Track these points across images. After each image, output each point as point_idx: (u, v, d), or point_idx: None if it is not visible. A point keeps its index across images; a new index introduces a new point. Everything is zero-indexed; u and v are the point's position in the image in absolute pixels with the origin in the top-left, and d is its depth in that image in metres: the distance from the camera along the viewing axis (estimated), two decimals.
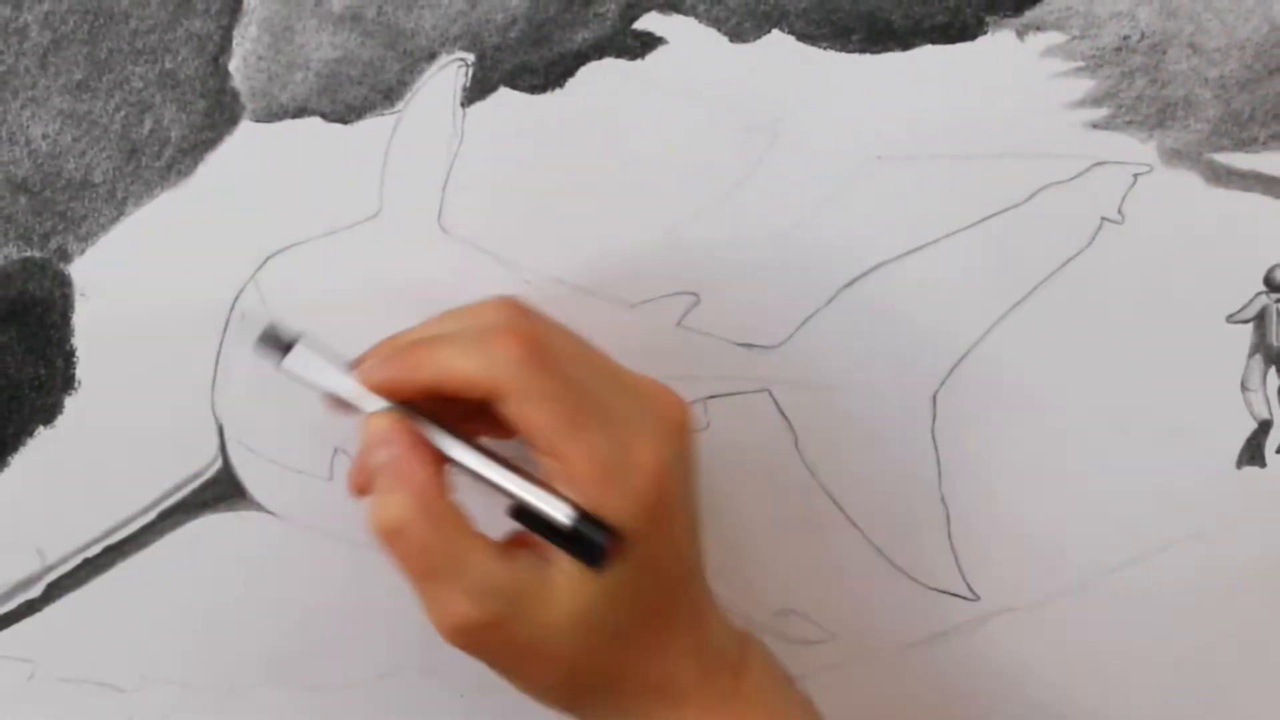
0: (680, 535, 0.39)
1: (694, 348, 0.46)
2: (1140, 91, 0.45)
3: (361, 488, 0.39)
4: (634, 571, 0.37)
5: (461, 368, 0.37)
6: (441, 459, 0.38)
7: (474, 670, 0.39)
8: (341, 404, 0.39)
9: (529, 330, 0.38)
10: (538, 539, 0.37)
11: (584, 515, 0.37)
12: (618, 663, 0.38)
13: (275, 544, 0.47)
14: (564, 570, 0.37)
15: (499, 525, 0.38)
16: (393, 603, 0.45)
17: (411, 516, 0.37)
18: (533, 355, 0.37)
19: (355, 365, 0.39)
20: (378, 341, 0.40)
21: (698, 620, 0.40)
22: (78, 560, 0.47)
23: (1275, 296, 0.46)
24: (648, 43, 0.45)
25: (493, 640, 0.37)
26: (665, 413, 0.39)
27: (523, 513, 0.37)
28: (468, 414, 0.39)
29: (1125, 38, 0.44)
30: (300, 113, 0.45)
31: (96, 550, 0.47)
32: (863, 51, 0.44)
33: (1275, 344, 0.46)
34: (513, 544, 0.38)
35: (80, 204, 0.45)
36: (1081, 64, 0.45)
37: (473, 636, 0.37)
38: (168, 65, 0.44)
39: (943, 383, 0.46)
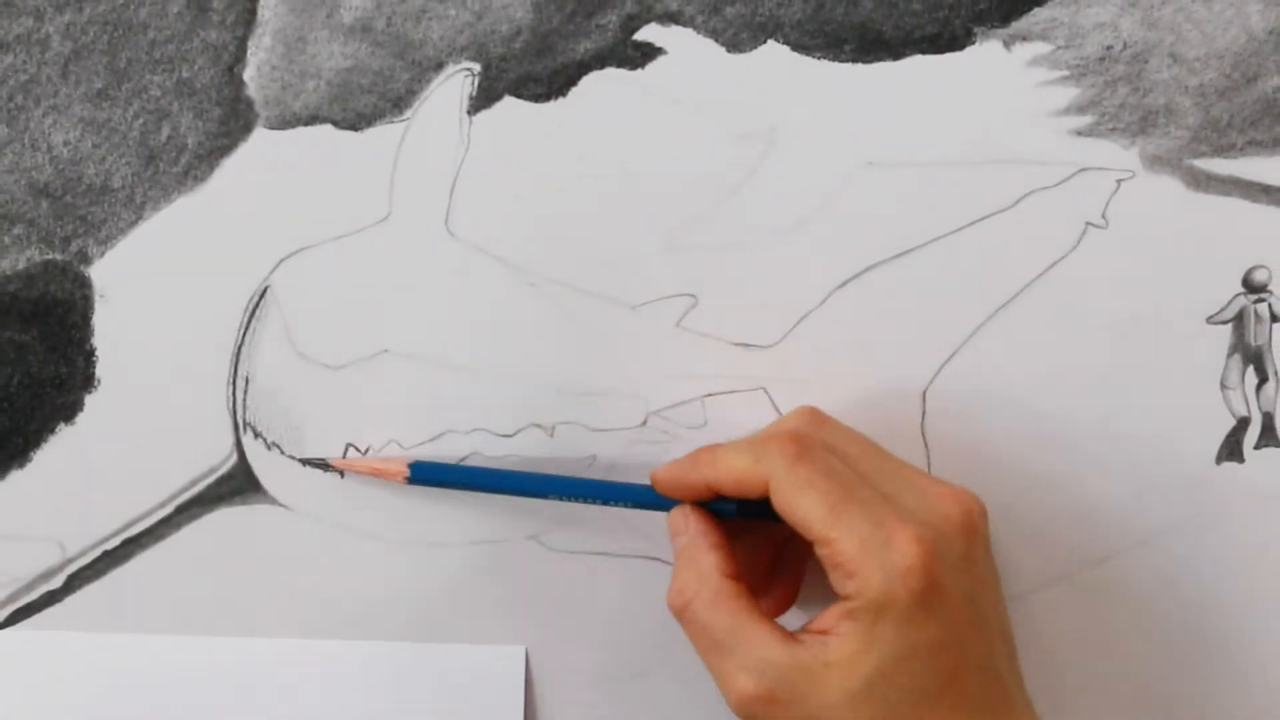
0: (964, 628, 0.39)
1: (693, 347, 0.47)
2: (1123, 100, 0.45)
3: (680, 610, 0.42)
4: (906, 652, 0.38)
5: (737, 466, 0.41)
6: (730, 545, 0.42)
7: None
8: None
9: (801, 432, 0.41)
10: (821, 627, 0.39)
11: None
12: None
13: (288, 537, 0.47)
14: (840, 652, 0.38)
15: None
16: (399, 599, 0.48)
17: (697, 596, 0.40)
18: (800, 453, 0.40)
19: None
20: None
21: (998, 710, 0.40)
22: (97, 552, 0.47)
23: (1253, 298, 0.46)
24: (648, 53, 0.45)
25: (773, 714, 0.39)
26: (947, 510, 0.40)
27: None
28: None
29: (1108, 48, 0.45)
30: (312, 120, 0.45)
31: (116, 543, 0.47)
32: (855, 61, 0.45)
33: (1253, 344, 0.46)
34: (799, 631, 0.40)
35: (100, 208, 0.46)
36: (1066, 73, 0.45)
37: (753, 709, 0.39)
38: (185, 74, 0.45)
39: (932, 380, 0.47)
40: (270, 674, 0.48)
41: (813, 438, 0.41)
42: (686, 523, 0.42)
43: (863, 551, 0.38)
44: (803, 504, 0.39)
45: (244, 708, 0.48)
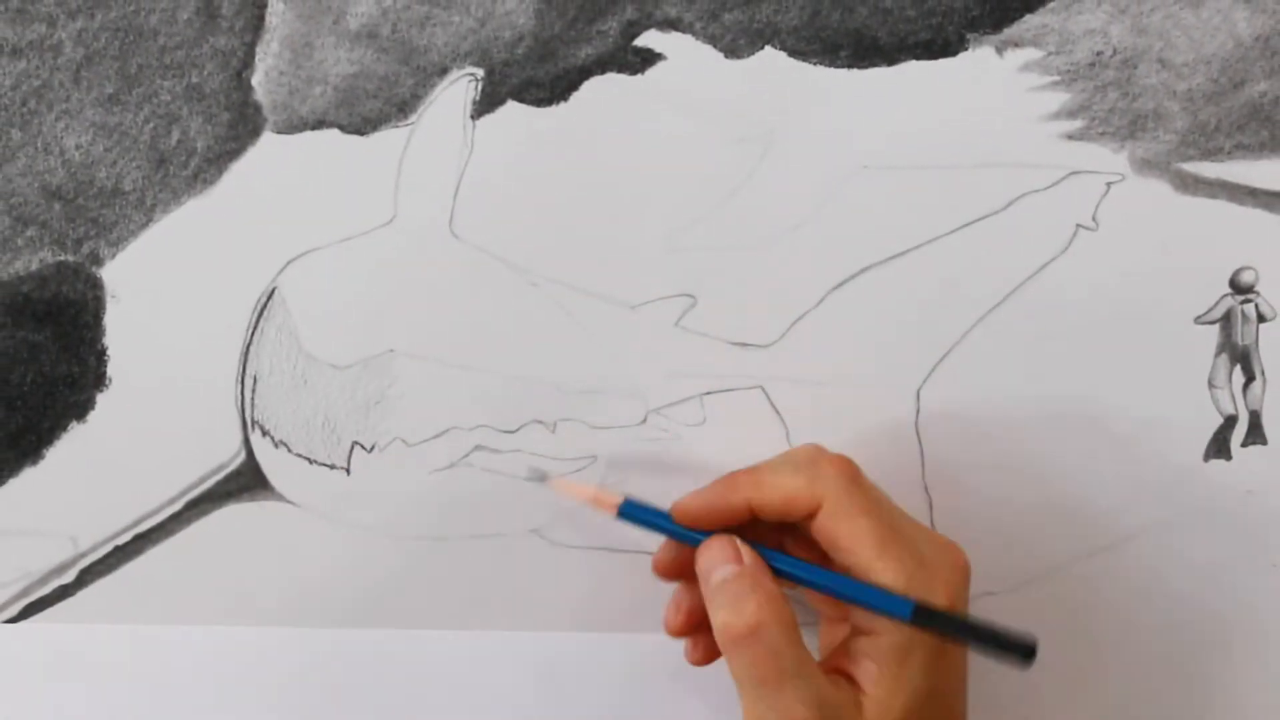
0: (958, 679, 0.41)
1: (691, 346, 0.47)
2: (1112, 104, 0.45)
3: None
4: (931, 684, 0.39)
5: (788, 485, 0.40)
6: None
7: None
8: (672, 550, 0.43)
9: (846, 460, 0.41)
10: (837, 665, 0.40)
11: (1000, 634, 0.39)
12: None
13: (296, 533, 0.47)
14: (873, 689, 0.39)
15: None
16: (404, 592, 0.48)
17: (771, 620, 0.39)
18: (853, 478, 0.40)
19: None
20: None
21: None
22: (109, 547, 0.47)
23: (1240, 298, 0.46)
24: (647, 59, 0.45)
25: None
26: (953, 558, 0.41)
27: (920, 614, 0.39)
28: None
29: (1098, 53, 0.45)
30: (319, 125, 0.45)
31: (127, 538, 0.47)
32: (850, 67, 0.45)
33: (1240, 343, 0.46)
34: (827, 666, 0.41)
35: (111, 211, 0.46)
36: (1057, 78, 0.45)
37: None
38: (194, 80, 0.45)
39: (925, 379, 0.47)
40: (434, 664, 0.48)
41: (856, 468, 0.41)
42: (741, 550, 0.41)
43: (908, 584, 0.39)
44: (856, 530, 0.39)
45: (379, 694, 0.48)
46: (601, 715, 0.48)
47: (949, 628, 0.38)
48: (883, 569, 0.39)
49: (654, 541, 0.46)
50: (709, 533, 0.42)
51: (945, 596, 0.39)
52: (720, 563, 0.41)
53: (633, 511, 0.43)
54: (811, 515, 0.40)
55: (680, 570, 0.43)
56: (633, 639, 0.48)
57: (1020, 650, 0.37)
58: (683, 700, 0.48)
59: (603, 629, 0.48)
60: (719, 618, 0.39)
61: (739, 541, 0.41)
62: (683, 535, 0.42)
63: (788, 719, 0.39)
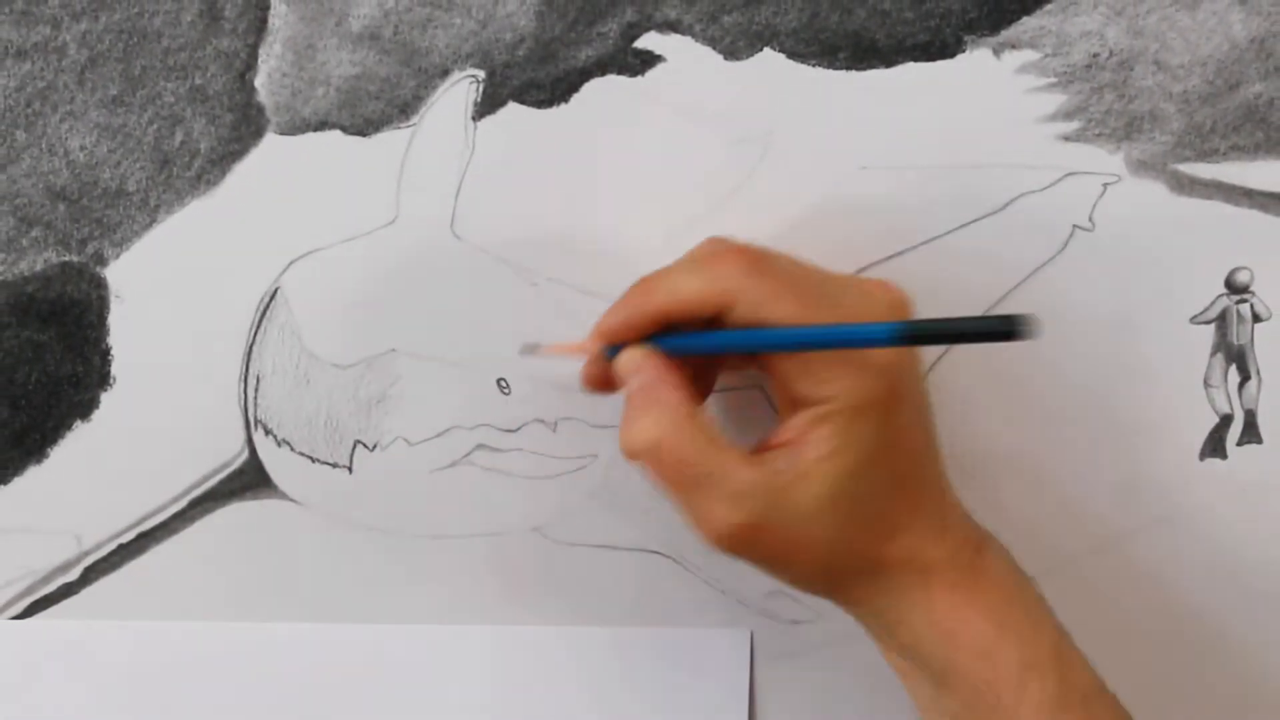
0: (916, 414, 0.40)
1: None
2: (1109, 106, 0.45)
3: (594, 381, 0.41)
4: (878, 446, 0.38)
5: (690, 287, 0.39)
6: (690, 382, 0.39)
7: None
8: (597, 371, 0.41)
9: (744, 247, 0.39)
10: (786, 438, 0.38)
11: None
12: (870, 539, 0.39)
13: (299, 531, 0.47)
14: (815, 455, 0.38)
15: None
16: (407, 591, 0.48)
17: (667, 433, 0.38)
18: (754, 265, 0.39)
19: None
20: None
21: (940, 497, 0.41)
22: (113, 545, 0.47)
23: (1236, 298, 0.46)
24: (647, 60, 0.45)
25: (756, 539, 0.38)
26: (889, 297, 0.39)
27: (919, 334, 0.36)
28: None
29: (1095, 55, 0.45)
30: (321, 126, 0.45)
31: (131, 536, 0.47)
32: (849, 68, 0.45)
33: (1236, 343, 0.46)
34: (762, 448, 0.39)
35: (115, 211, 0.46)
36: (1054, 80, 0.45)
37: (737, 539, 0.38)
38: (198, 81, 0.45)
39: (922, 379, 0.44)
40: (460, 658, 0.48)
41: (757, 252, 0.39)
42: (644, 361, 0.40)
43: (842, 354, 0.38)
44: (777, 314, 0.38)
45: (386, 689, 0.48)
46: (603, 708, 0.48)
47: (940, 333, 0.36)
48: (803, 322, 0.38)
49: (657, 541, 0.46)
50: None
51: (887, 355, 0.38)
52: (630, 372, 0.40)
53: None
54: (726, 312, 0.39)
55: (610, 383, 0.42)
56: (634, 633, 0.48)
57: (1015, 327, 0.33)
58: (685, 694, 0.48)
59: (604, 624, 0.48)
60: (622, 434, 0.39)
61: (644, 351, 0.40)
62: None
63: (711, 522, 0.38)
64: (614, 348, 0.41)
